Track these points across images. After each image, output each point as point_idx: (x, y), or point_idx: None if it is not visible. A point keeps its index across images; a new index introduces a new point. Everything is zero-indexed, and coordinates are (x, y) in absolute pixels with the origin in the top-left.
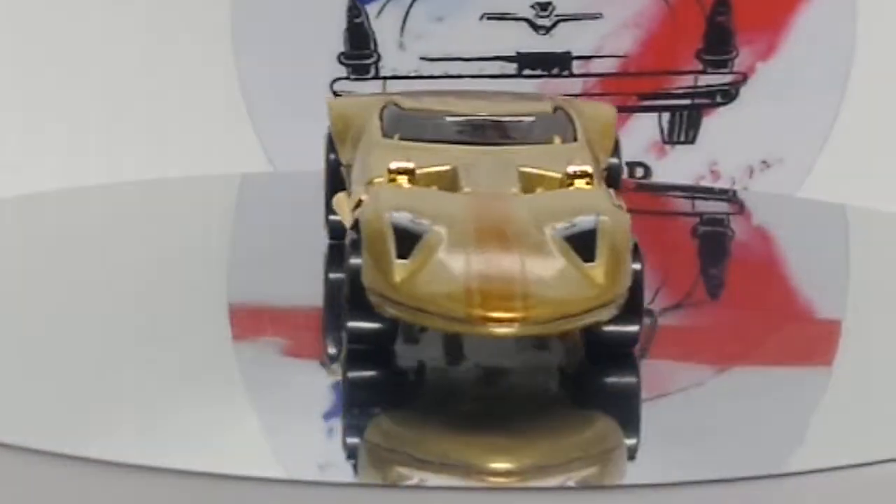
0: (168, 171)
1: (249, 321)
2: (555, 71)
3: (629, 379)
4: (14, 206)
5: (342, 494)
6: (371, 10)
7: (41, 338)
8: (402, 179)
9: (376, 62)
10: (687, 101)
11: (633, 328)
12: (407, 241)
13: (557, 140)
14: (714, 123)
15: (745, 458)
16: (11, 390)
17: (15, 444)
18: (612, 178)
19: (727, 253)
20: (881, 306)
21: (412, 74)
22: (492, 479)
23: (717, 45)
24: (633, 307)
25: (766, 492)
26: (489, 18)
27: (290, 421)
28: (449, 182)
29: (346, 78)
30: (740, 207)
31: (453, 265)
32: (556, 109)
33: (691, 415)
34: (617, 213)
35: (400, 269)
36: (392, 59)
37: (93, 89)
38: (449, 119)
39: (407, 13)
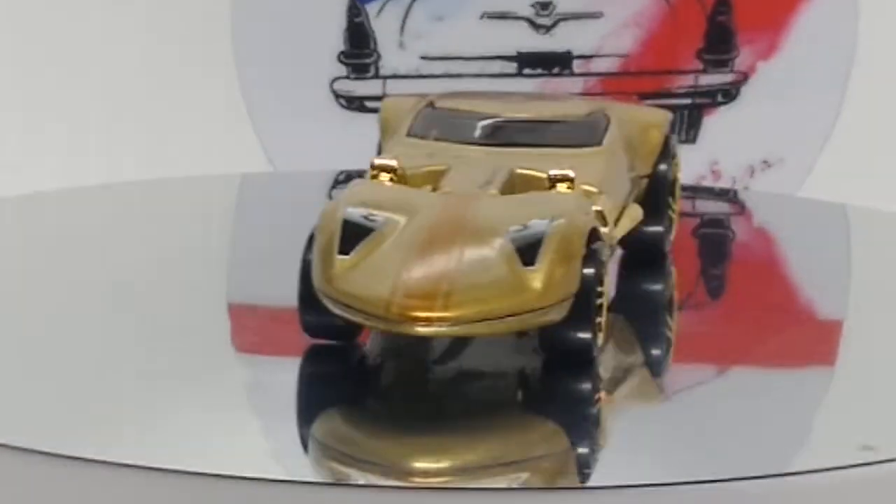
0: (168, 171)
1: (249, 321)
2: (555, 70)
3: (583, 385)
4: (14, 206)
5: (330, 494)
6: (371, 9)
7: (41, 338)
8: (385, 177)
9: (376, 62)
10: (687, 101)
11: (585, 335)
12: (358, 236)
13: (579, 144)
14: (715, 123)
15: (745, 458)
16: (11, 390)
17: (15, 444)
18: (658, 184)
19: (728, 253)
20: (882, 306)
21: (412, 74)
22: (416, 479)
23: (718, 45)
24: (583, 313)
25: (766, 492)
26: (489, 18)
27: (289, 421)
28: (440, 182)
29: (346, 77)
30: (741, 207)
31: (387, 263)
32: (591, 113)
33: (691, 415)
34: (580, 218)
35: (339, 264)
36: (392, 58)
37: (93, 89)
38: (476, 120)
39: (407, 13)
